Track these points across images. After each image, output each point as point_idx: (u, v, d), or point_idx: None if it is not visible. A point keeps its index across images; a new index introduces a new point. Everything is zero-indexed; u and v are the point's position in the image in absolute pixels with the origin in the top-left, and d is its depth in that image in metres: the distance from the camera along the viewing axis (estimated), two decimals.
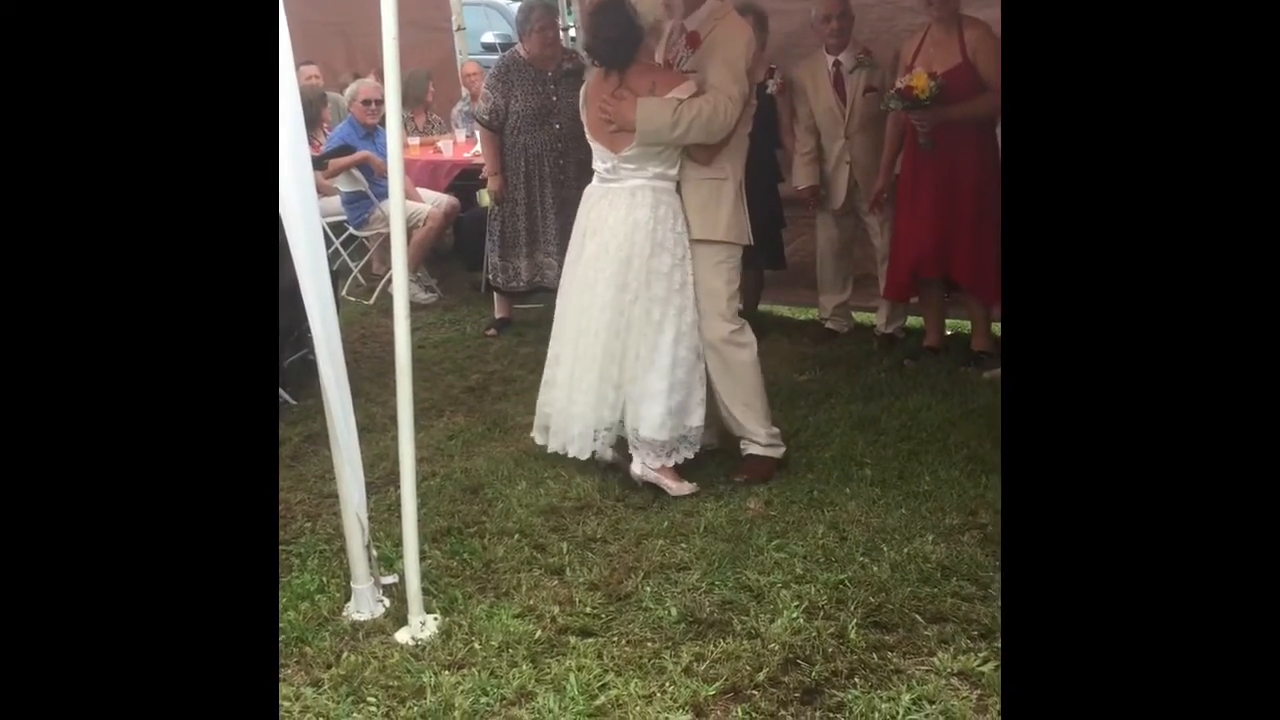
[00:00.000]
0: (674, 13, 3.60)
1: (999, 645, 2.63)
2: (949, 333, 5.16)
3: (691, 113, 3.42)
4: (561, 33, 5.90)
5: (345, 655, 2.73)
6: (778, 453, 3.78)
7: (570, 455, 3.70)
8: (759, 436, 3.74)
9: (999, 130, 4.43)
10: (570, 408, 3.69)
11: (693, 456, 3.68)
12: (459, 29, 7.95)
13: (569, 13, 6.81)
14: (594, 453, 3.68)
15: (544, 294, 5.75)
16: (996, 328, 4.89)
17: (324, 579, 3.11)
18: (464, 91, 7.68)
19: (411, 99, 7.15)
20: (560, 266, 5.31)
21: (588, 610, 2.90)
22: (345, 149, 6.28)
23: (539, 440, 3.86)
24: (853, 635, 2.72)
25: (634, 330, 3.58)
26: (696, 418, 3.66)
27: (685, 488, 3.60)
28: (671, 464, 3.62)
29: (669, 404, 3.58)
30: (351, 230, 6.59)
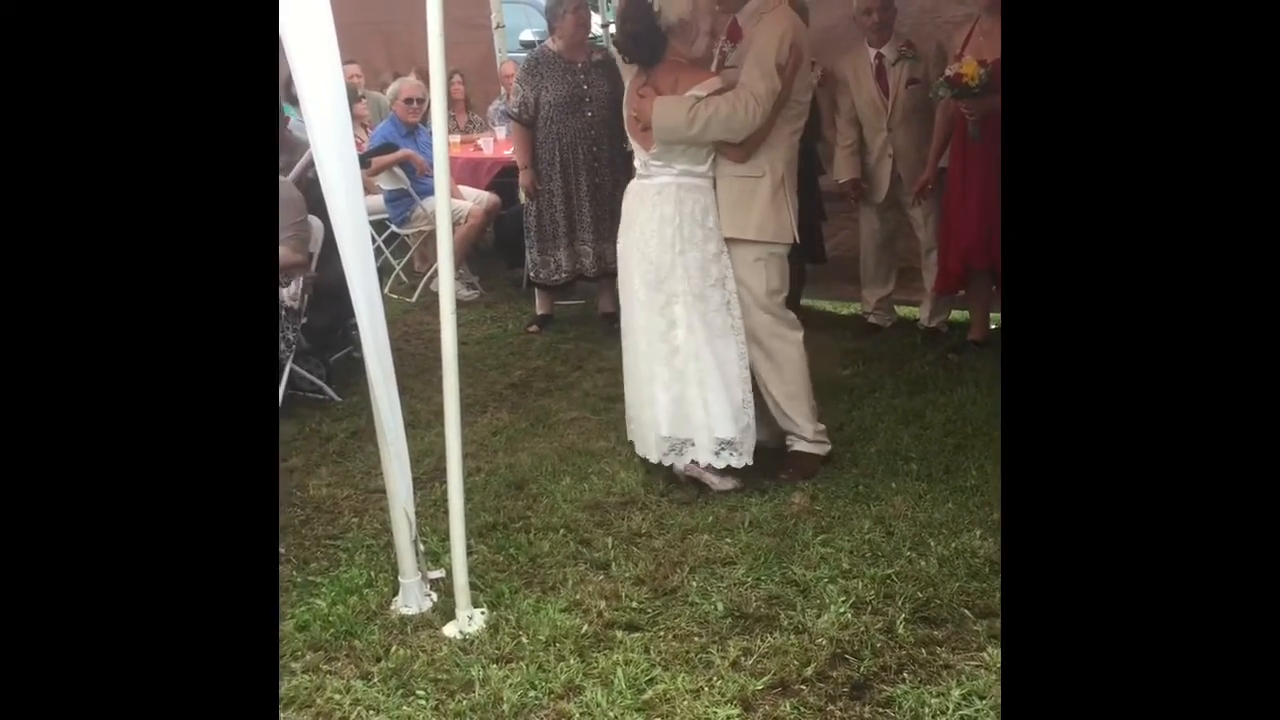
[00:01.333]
0: (703, 10, 3.51)
1: None
2: (994, 327, 5.11)
3: (709, 111, 3.40)
4: (600, 29, 5.90)
5: (394, 649, 2.76)
6: (823, 450, 3.75)
7: (654, 462, 3.68)
8: (805, 432, 3.72)
9: None
10: (640, 413, 3.71)
11: (751, 462, 3.60)
12: (498, 27, 7.96)
13: (608, 9, 6.81)
14: (671, 465, 3.63)
15: (583, 288, 5.78)
16: None
17: (372, 573, 3.14)
18: (502, 90, 7.71)
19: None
20: (595, 255, 5.36)
21: (634, 605, 2.90)
22: (388, 147, 6.32)
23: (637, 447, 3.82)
24: (901, 630, 2.70)
25: (677, 329, 3.56)
26: (746, 416, 3.60)
27: (727, 483, 3.59)
28: (722, 465, 3.57)
29: (715, 401, 3.55)
30: (394, 228, 6.64)
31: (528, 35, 10.41)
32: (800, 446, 3.73)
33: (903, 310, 5.45)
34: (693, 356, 3.55)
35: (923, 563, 3.02)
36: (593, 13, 6.14)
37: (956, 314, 5.25)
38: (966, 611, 2.78)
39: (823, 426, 3.78)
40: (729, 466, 3.58)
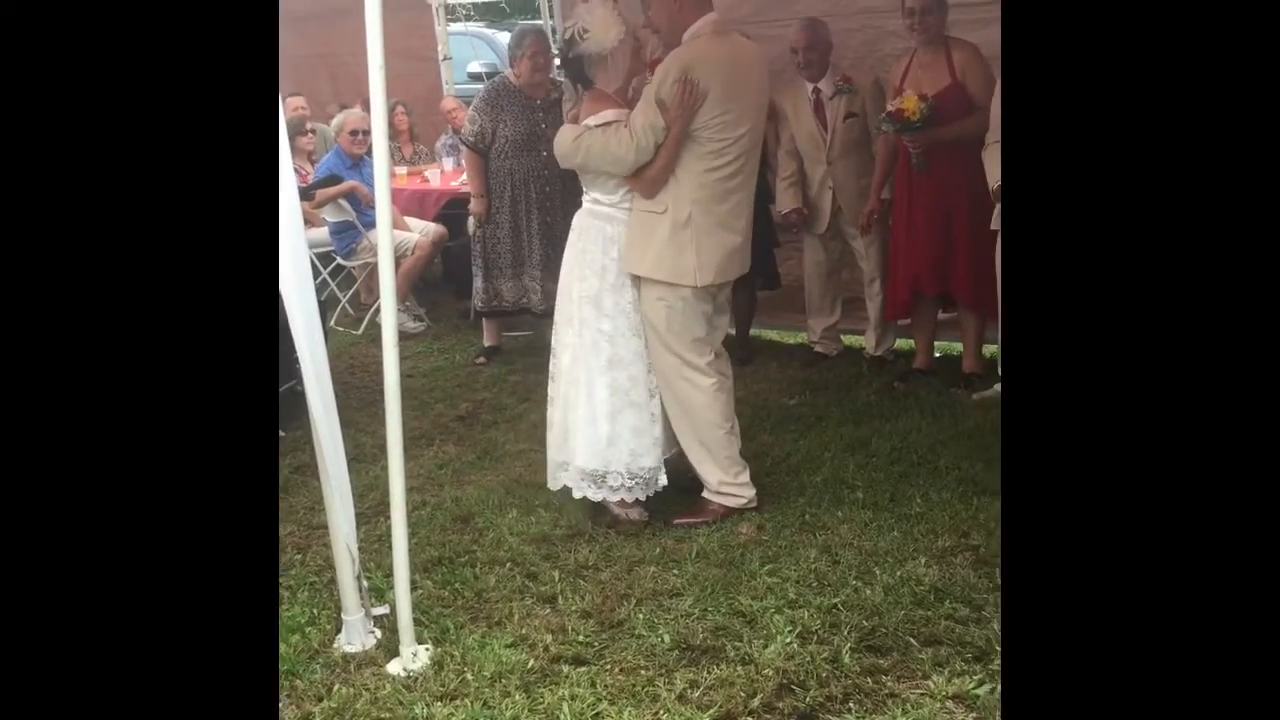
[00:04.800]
0: (617, 42, 3.49)
1: (994, 668, 2.62)
2: (937, 354, 5.17)
3: (588, 142, 3.43)
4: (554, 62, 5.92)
5: (337, 688, 2.71)
6: (735, 501, 3.62)
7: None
8: (709, 482, 3.63)
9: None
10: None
11: (642, 499, 3.57)
12: (445, 59, 7.97)
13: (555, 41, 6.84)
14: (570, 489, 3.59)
15: (532, 320, 5.76)
16: (988, 349, 4.90)
17: (314, 611, 3.09)
18: (449, 127, 7.69)
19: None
20: (544, 291, 5.36)
21: (580, 638, 2.89)
22: (332, 179, 6.28)
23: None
24: (846, 659, 2.71)
25: (564, 354, 3.59)
26: (614, 454, 3.53)
27: (632, 513, 3.59)
28: (617, 499, 3.56)
29: (597, 432, 3.52)
30: (339, 260, 6.59)
31: (475, 67, 10.43)
32: (708, 494, 3.65)
33: (849, 339, 5.50)
34: (570, 382, 3.57)
35: (868, 591, 3.03)
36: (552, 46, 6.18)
37: (902, 342, 5.30)
38: (911, 639, 2.79)
39: (743, 478, 3.64)
40: (637, 500, 3.58)
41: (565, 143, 3.51)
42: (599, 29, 3.48)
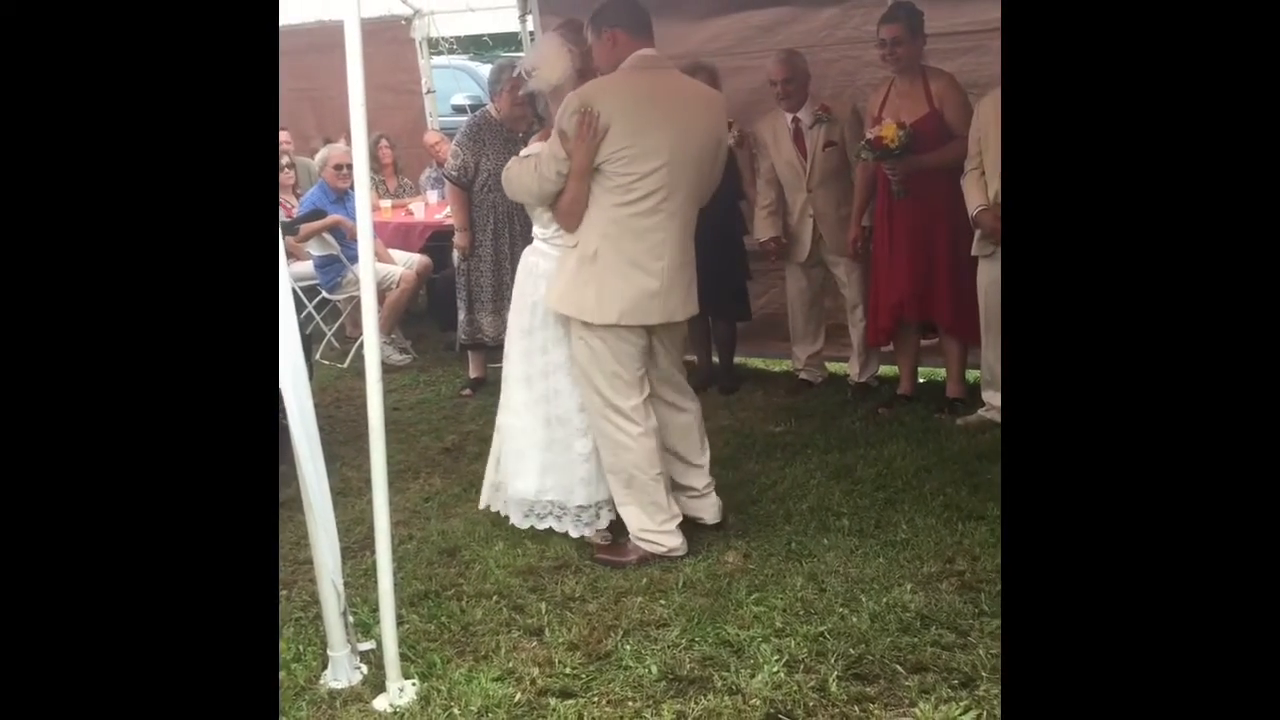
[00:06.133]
0: (558, 79, 3.52)
1: (980, 694, 2.63)
2: (921, 380, 5.20)
3: (512, 173, 3.54)
4: None
5: None
6: (656, 549, 3.52)
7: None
8: (630, 526, 3.55)
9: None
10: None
11: (575, 534, 3.66)
12: (429, 92, 8.02)
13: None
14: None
15: None
16: (971, 374, 4.93)
17: (300, 647, 3.07)
18: (433, 161, 7.73)
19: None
20: None
21: (568, 671, 2.88)
22: (317, 213, 6.30)
23: None
24: (834, 688, 2.71)
25: (514, 390, 3.69)
26: (576, 494, 3.62)
27: (598, 538, 3.64)
28: (545, 527, 3.67)
29: (528, 464, 3.61)
30: (324, 294, 6.60)
31: (459, 99, 10.49)
32: (631, 537, 3.58)
33: (833, 366, 5.52)
34: (510, 412, 3.70)
35: (854, 619, 3.03)
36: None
37: (886, 369, 5.33)
38: (898, 667, 2.79)
39: (666, 527, 3.53)
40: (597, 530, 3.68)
41: (503, 175, 3.62)
42: (545, 66, 3.55)
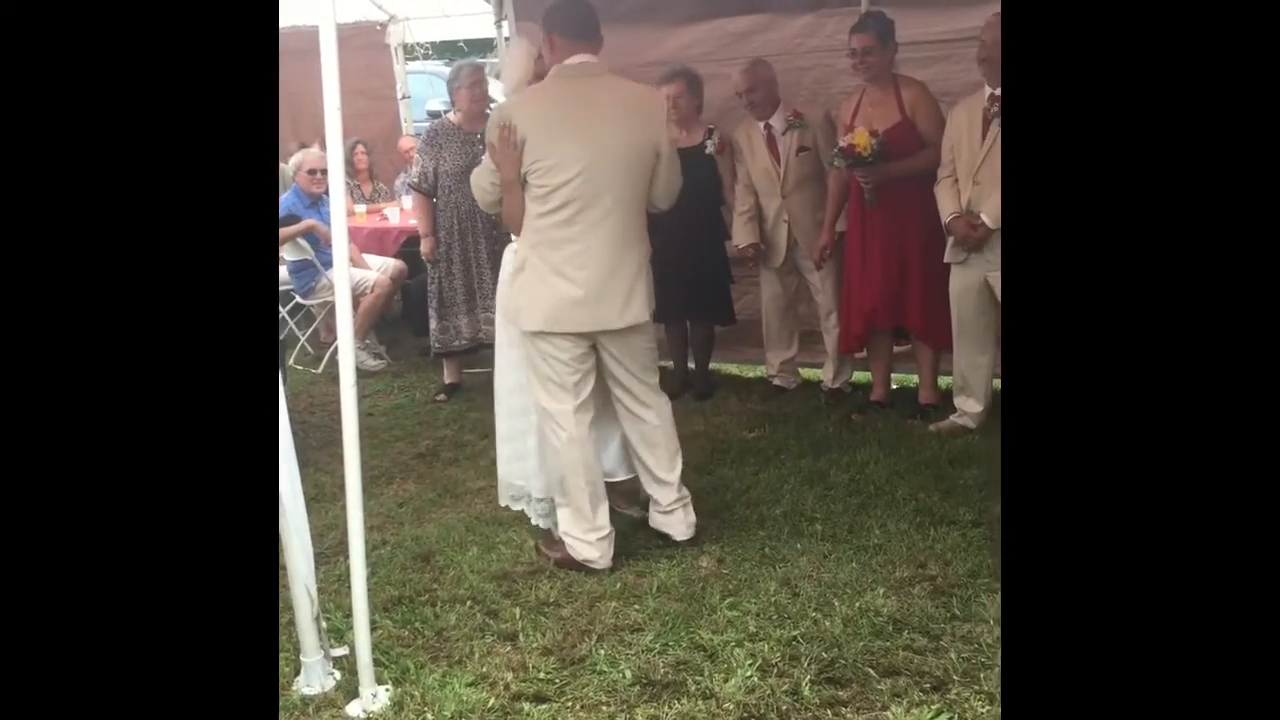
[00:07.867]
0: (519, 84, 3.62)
1: (951, 697, 2.65)
2: (895, 386, 5.23)
3: (472, 179, 3.63)
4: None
5: None
6: (577, 555, 3.50)
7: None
8: (560, 524, 3.58)
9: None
10: None
11: (534, 523, 3.81)
12: (404, 97, 8.02)
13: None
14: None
15: (490, 357, 5.76)
16: (943, 381, 4.96)
17: None
18: (407, 165, 7.73)
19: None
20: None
21: (541, 676, 2.88)
22: (291, 218, 6.27)
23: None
24: (806, 692, 2.72)
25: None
26: (532, 484, 3.78)
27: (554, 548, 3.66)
28: (518, 509, 3.89)
29: (502, 450, 3.83)
30: (298, 299, 6.57)
31: (434, 105, 10.46)
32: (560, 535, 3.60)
33: (807, 372, 5.55)
34: (496, 400, 3.87)
35: (827, 623, 3.05)
36: (495, 81, 6.23)
37: (860, 375, 5.36)
38: (871, 671, 2.81)
39: (590, 538, 3.49)
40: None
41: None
42: (507, 70, 3.65)
